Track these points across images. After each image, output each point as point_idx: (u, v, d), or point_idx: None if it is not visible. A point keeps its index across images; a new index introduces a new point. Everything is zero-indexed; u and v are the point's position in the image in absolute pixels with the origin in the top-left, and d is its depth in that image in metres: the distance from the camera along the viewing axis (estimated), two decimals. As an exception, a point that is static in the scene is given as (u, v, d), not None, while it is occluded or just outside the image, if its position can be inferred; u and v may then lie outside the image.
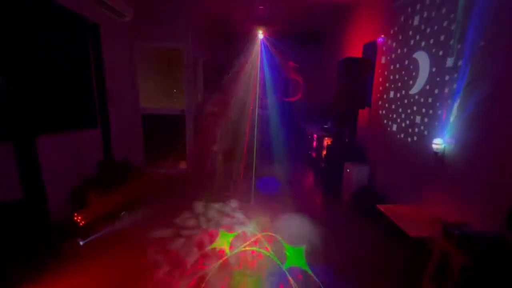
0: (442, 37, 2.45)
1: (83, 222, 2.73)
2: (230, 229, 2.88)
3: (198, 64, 5.74)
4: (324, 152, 4.68)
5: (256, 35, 6.72)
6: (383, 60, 3.46)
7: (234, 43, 6.87)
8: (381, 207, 2.54)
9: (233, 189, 3.95)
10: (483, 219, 1.98)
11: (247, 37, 6.90)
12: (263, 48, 6.89)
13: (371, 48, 3.77)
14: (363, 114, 3.91)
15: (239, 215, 3.17)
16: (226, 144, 5.91)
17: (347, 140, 4.00)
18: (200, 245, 2.58)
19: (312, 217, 3.11)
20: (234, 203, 3.47)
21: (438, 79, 2.50)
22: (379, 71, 3.55)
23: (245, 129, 7.16)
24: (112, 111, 3.48)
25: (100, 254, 2.40)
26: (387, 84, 3.33)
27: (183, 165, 4.86)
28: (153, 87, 5.24)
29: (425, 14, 2.68)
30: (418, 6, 2.78)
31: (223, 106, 5.51)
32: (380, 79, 3.51)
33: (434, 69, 2.56)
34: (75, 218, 2.72)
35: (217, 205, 3.40)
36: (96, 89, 3.19)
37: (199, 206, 3.34)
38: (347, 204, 3.56)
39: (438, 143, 2.41)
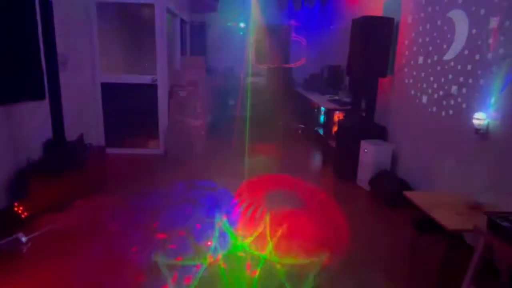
0: None
1: (25, 214, 2.60)
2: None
3: (174, 23, 5.40)
4: (335, 129, 4.59)
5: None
6: (409, 20, 3.29)
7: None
8: (409, 194, 2.50)
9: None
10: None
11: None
12: (256, 5, 6.52)
13: (395, 5, 3.55)
14: (384, 83, 3.78)
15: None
16: (210, 118, 5.77)
17: (364, 114, 3.89)
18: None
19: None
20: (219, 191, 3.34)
21: (479, 42, 2.38)
22: (405, 32, 3.39)
23: (234, 99, 7.01)
24: (64, 79, 3.23)
25: (45, 252, 2.29)
26: (414, 48, 3.19)
27: (154, 144, 4.69)
28: (118, 51, 4.93)
29: None
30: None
31: (205, 73, 5.27)
32: (406, 42, 3.35)
33: (474, 31, 2.44)
34: (16, 209, 2.58)
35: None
36: (44, 52, 2.93)
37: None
38: (365, 192, 3.53)
39: (480, 118, 2.33)
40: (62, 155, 3.05)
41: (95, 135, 4.35)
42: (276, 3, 6.48)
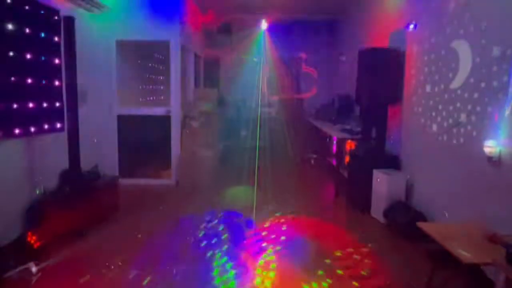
0: (483, 24, 2.43)
1: (38, 243, 2.68)
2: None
3: (188, 59, 5.77)
4: (347, 159, 4.61)
5: (258, 26, 6.76)
6: (415, 50, 3.45)
7: (234, 34, 6.88)
8: (423, 226, 2.46)
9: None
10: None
11: (249, 28, 6.93)
12: (267, 40, 6.91)
13: (400, 37, 3.72)
14: (394, 112, 3.85)
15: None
16: (222, 149, 5.91)
17: (374, 143, 3.93)
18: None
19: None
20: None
21: (483, 70, 2.46)
22: (411, 62, 3.53)
23: (246, 130, 7.19)
24: (83, 111, 3.48)
25: (55, 283, 2.34)
26: (421, 77, 3.30)
27: (166, 175, 4.82)
28: (133, 84, 5.28)
29: None
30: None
31: (217, 105, 5.50)
32: (413, 72, 3.47)
33: (477, 60, 2.53)
34: (29, 239, 2.67)
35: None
36: (65, 86, 3.21)
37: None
38: (380, 224, 3.47)
39: (492, 146, 2.33)
40: (76, 185, 3.22)
41: (110, 165, 4.54)
42: (287, 38, 6.85)
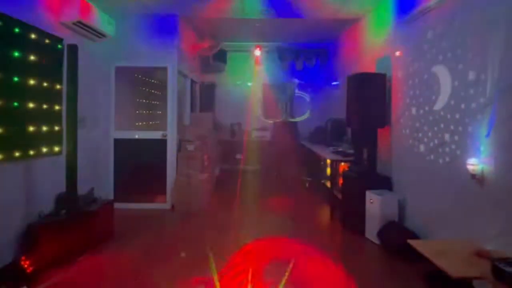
0: (459, 51, 2.68)
1: (31, 268, 2.68)
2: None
3: (185, 84, 5.99)
4: (341, 181, 4.71)
5: (253, 52, 7.10)
6: (399, 75, 3.67)
7: (229, 60, 7.19)
8: (414, 243, 2.54)
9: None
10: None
11: (243, 54, 7.27)
12: (261, 65, 7.24)
13: (385, 63, 3.97)
14: (383, 134, 4.02)
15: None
16: (218, 172, 5.99)
17: (366, 164, 4.06)
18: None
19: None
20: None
21: (462, 93, 2.65)
22: (397, 86, 3.74)
23: (241, 153, 7.33)
24: (81, 135, 3.57)
25: None
26: (407, 100, 3.49)
27: (161, 199, 4.86)
28: (130, 108, 5.44)
29: (437, 29, 2.96)
30: (430, 21, 3.07)
31: (212, 129, 5.65)
32: (399, 95, 3.67)
33: (456, 83, 2.74)
34: (22, 263, 2.67)
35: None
36: (66, 110, 3.32)
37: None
38: (374, 245, 3.53)
39: (474, 164, 2.47)
40: (72, 209, 3.24)
41: (105, 189, 4.59)
42: (280, 64, 7.18)
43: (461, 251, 2.37)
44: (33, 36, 3.00)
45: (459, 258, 2.27)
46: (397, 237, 3.23)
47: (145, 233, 3.85)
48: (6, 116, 2.73)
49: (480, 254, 2.24)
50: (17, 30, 2.80)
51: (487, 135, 2.37)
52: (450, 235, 2.79)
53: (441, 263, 2.21)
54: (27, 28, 2.93)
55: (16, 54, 2.81)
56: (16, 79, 2.82)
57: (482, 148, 2.44)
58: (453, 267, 2.14)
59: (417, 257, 2.42)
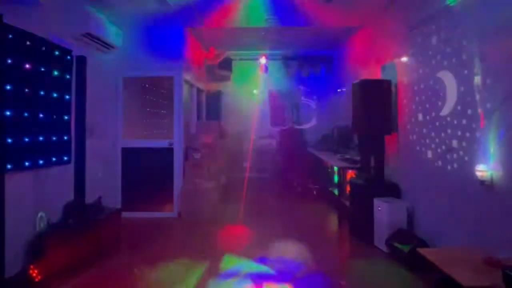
0: (464, 56, 2.68)
1: (39, 276, 2.73)
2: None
3: (190, 93, 6.08)
4: (348, 188, 4.69)
5: (259, 60, 7.19)
6: (405, 81, 3.68)
7: (234, 68, 7.29)
8: (423, 252, 2.51)
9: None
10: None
11: (249, 62, 7.37)
12: (267, 73, 7.32)
13: (391, 69, 3.99)
14: (390, 140, 4.01)
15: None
16: (224, 180, 6.01)
17: (374, 171, 4.04)
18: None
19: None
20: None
21: (468, 98, 2.65)
22: (403, 92, 3.75)
23: (247, 161, 7.37)
24: (89, 145, 3.65)
25: None
26: (413, 106, 3.49)
27: (168, 208, 4.89)
28: (137, 117, 5.52)
29: (441, 35, 2.98)
30: (433, 27, 3.08)
31: (219, 137, 5.70)
32: (405, 101, 3.68)
33: (462, 88, 2.73)
34: (30, 272, 2.72)
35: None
36: (75, 121, 3.42)
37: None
38: (383, 253, 3.49)
39: (482, 170, 2.46)
40: (80, 218, 3.31)
41: (112, 197, 4.64)
42: (285, 71, 7.25)
43: (472, 259, 2.33)
44: (43, 48, 3.10)
45: (470, 267, 2.24)
46: (406, 245, 3.19)
47: (152, 241, 3.89)
48: (16, 125, 2.80)
49: (491, 262, 2.21)
50: (28, 42, 2.90)
51: (499, 141, 2.35)
52: (460, 242, 2.75)
53: (451, 271, 2.19)
54: (37, 40, 3.03)
55: (27, 65, 2.91)
56: (26, 89, 2.91)
57: (491, 154, 2.43)
58: (464, 276, 2.12)
59: (427, 266, 2.40)
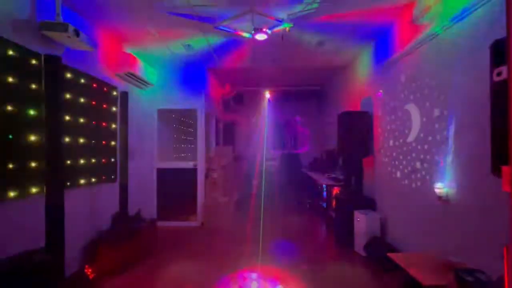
0: (426, 91, 2.72)
1: (92, 275, 2.77)
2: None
3: (210, 122, 6.25)
4: (334, 202, 4.65)
5: (263, 96, 7.41)
6: (379, 113, 3.73)
7: (244, 102, 7.52)
8: (392, 256, 2.46)
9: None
10: (497, 263, 1.90)
11: (255, 97, 7.61)
12: (270, 105, 7.51)
13: (368, 102, 4.08)
14: (368, 162, 4.01)
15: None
16: (237, 195, 6.03)
17: (354, 188, 4.02)
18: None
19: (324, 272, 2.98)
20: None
21: (429, 127, 2.67)
22: (377, 122, 3.79)
23: (254, 180, 7.38)
24: (131, 166, 3.75)
25: None
26: (386, 134, 3.52)
27: (194, 218, 4.92)
28: (169, 143, 5.68)
29: (408, 72, 3.03)
30: (402, 66, 3.15)
31: (233, 159, 5.79)
32: (379, 130, 3.71)
33: (424, 119, 2.76)
34: (86, 271, 2.77)
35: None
36: (119, 146, 3.53)
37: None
38: (361, 257, 3.41)
39: (440, 188, 2.45)
40: (125, 227, 3.37)
41: (150, 209, 4.69)
42: (285, 104, 7.43)
43: (431, 262, 2.28)
44: (94, 85, 3.22)
45: (430, 268, 2.19)
46: (380, 250, 3.12)
47: (183, 245, 3.91)
48: (73, 151, 2.89)
49: (447, 264, 2.16)
50: (82, 80, 3.01)
51: (453, 162, 2.37)
52: (423, 248, 2.69)
53: (414, 272, 2.14)
54: (91, 78, 3.14)
55: (82, 100, 3.01)
56: (81, 120, 3.01)
57: (446, 174, 2.43)
58: (425, 276, 2.07)
59: (396, 267, 2.35)
